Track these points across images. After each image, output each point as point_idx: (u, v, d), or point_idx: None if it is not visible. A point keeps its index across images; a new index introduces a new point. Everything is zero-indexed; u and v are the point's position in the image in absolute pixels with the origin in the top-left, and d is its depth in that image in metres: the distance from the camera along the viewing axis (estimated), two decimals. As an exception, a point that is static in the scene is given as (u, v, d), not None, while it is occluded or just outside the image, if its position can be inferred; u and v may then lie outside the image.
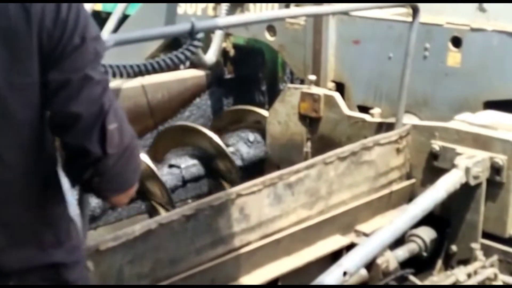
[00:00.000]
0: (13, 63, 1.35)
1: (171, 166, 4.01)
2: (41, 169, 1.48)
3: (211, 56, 4.04)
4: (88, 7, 4.32)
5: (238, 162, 4.13)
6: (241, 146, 4.20)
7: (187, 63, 3.71)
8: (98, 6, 4.98)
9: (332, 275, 2.48)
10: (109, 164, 1.44)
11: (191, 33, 2.22)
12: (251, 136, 4.23)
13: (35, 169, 1.46)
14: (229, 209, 2.56)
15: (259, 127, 4.14)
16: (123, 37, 2.02)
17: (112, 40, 1.98)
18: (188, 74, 4.55)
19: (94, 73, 1.43)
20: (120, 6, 4.15)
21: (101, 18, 4.51)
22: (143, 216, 3.90)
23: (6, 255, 1.44)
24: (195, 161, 4.02)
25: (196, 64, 4.20)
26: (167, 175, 3.94)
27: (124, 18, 4.32)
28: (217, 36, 4.06)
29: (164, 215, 2.43)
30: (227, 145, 4.12)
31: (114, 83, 4.13)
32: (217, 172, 4.04)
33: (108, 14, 4.29)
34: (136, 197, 3.65)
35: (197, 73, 4.56)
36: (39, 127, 1.43)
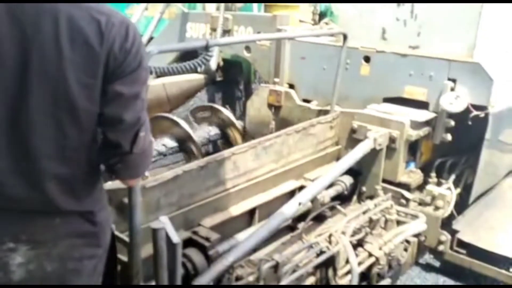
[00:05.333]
0: (84, 67, 1.25)
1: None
2: (88, 147, 1.36)
3: (213, 64, 3.97)
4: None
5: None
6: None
7: (202, 68, 3.62)
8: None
9: (291, 205, 2.50)
10: (131, 158, 1.37)
11: (206, 47, 2.17)
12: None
13: (85, 147, 1.35)
14: (227, 162, 2.52)
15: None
16: (164, 48, 1.94)
17: (156, 50, 1.91)
18: (193, 77, 4.41)
19: (143, 94, 1.35)
20: (150, 30, 4.03)
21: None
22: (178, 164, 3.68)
23: (61, 199, 1.35)
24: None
25: (205, 68, 4.09)
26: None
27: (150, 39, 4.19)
28: (215, 53, 3.99)
29: (186, 165, 2.37)
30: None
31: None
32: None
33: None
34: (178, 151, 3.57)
35: (198, 76, 4.43)
36: (95, 118, 1.33)
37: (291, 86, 3.83)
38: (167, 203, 2.23)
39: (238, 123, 3.88)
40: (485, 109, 2.81)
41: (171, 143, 3.52)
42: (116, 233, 1.73)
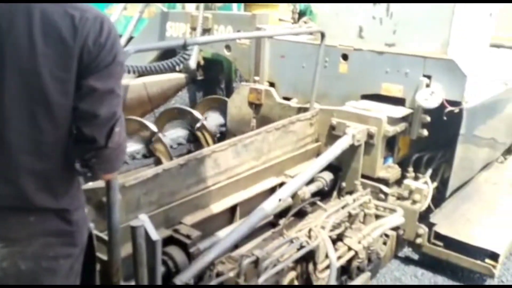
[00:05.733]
0: (58, 61, 1.25)
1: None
2: (65, 142, 1.35)
3: (192, 63, 3.96)
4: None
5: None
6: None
7: (181, 66, 3.59)
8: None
9: (271, 201, 2.52)
10: (106, 153, 1.37)
11: (184, 46, 2.17)
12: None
13: (61, 142, 1.34)
14: (207, 160, 2.52)
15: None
16: (141, 47, 1.93)
17: (133, 49, 1.90)
18: (174, 76, 4.40)
19: (118, 89, 1.34)
20: (129, 30, 4.01)
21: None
22: (144, 168, 3.66)
23: (37, 196, 1.34)
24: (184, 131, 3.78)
25: (184, 67, 4.08)
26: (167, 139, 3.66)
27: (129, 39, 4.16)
28: (195, 51, 3.98)
29: (166, 164, 2.37)
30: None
31: (125, 81, 4.01)
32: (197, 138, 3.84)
33: (119, 36, 4.13)
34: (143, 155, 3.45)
35: (179, 76, 4.42)
36: (70, 113, 1.31)
37: (272, 84, 3.85)
38: (147, 202, 2.22)
39: (212, 125, 3.83)
40: (459, 105, 2.88)
41: (137, 146, 3.40)
42: (95, 232, 1.73)
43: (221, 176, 2.63)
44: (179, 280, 1.99)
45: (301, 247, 2.30)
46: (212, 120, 3.94)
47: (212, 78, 4.73)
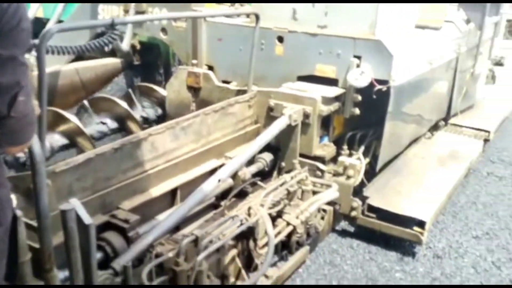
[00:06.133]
0: None
1: (97, 123, 3.62)
2: None
3: (125, 46, 3.85)
4: (31, 13, 3.90)
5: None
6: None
7: (110, 47, 3.46)
8: (40, 13, 4.49)
9: (210, 182, 2.55)
10: (11, 123, 1.30)
11: (112, 25, 2.11)
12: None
13: None
14: (144, 143, 2.50)
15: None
16: (64, 26, 1.85)
17: (56, 28, 1.83)
18: (109, 61, 4.25)
19: (21, 57, 1.28)
20: (57, 12, 3.80)
21: (42, 24, 4.08)
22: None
23: None
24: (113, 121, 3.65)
25: (115, 49, 3.95)
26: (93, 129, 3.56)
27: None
28: (128, 33, 3.86)
29: (99, 148, 2.31)
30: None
31: (55, 67, 3.82)
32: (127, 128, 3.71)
33: (48, 20, 3.92)
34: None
35: (115, 60, 4.27)
36: None
37: (210, 67, 3.84)
38: (81, 188, 2.17)
39: (141, 114, 3.76)
40: (387, 83, 3.04)
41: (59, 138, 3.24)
42: (25, 219, 1.66)
43: (159, 160, 2.61)
44: (117, 264, 1.98)
45: (241, 224, 2.35)
46: (142, 109, 3.88)
47: (150, 63, 4.62)
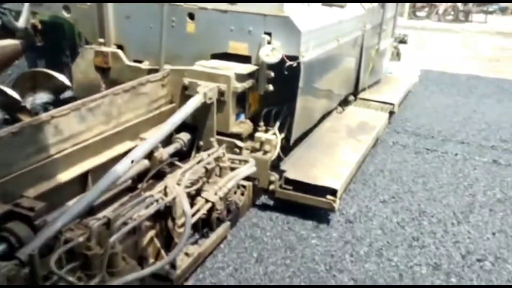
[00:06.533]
0: None
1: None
2: None
3: (21, 24, 3.55)
4: None
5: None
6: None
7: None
8: None
9: (123, 163, 2.47)
10: None
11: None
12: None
13: None
14: (46, 127, 2.36)
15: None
16: None
17: None
18: (7, 43, 3.90)
19: None
20: None
21: None
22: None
23: None
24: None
25: (10, 28, 3.62)
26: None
27: None
28: (24, 11, 3.56)
29: (-5, 133, 2.14)
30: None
31: None
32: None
33: None
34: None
35: (13, 42, 3.91)
36: None
37: (120, 47, 3.69)
38: (-25, 176, 2.01)
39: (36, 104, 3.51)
40: (297, 59, 3.15)
41: None
42: None
43: (65, 143, 2.49)
44: (22, 253, 1.87)
45: (156, 204, 2.33)
46: (36, 99, 3.60)
47: (54, 44, 4.30)
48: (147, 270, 2.04)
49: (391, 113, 5.02)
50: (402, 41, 6.72)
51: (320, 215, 3.42)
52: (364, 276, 2.81)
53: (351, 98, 4.86)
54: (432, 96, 6.42)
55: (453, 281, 2.78)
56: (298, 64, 3.16)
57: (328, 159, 3.71)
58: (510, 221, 3.42)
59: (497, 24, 11.80)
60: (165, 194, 2.47)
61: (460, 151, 4.60)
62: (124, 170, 2.43)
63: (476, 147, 4.75)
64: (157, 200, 2.36)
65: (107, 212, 2.49)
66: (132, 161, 2.50)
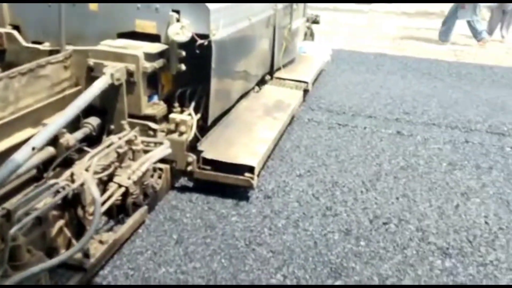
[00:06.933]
0: None
1: None
2: None
3: None
4: None
5: None
6: None
7: None
8: None
9: (23, 151, 2.30)
10: None
11: None
12: None
13: None
14: None
15: None
16: None
17: None
18: None
19: None
20: None
21: None
22: None
23: None
24: None
25: None
26: None
27: None
28: None
29: None
30: None
31: None
32: None
33: None
34: None
35: None
36: None
37: (16, 27, 3.41)
38: None
39: None
40: (208, 38, 3.12)
41: None
42: None
43: (-48, 133, 2.25)
44: None
45: (62, 192, 2.21)
46: None
47: None
48: (55, 260, 1.95)
49: (306, 91, 5.20)
50: (315, 21, 6.94)
51: (239, 193, 3.47)
52: (282, 247, 2.92)
53: (268, 77, 4.95)
54: (343, 74, 6.75)
55: (362, 244, 3.00)
56: (209, 42, 3.13)
57: (246, 137, 3.77)
58: (411, 186, 3.75)
59: (403, 5, 12.67)
60: (72, 181, 2.36)
61: (368, 125, 4.92)
62: (24, 158, 2.26)
63: (383, 120, 5.10)
64: (63, 188, 2.24)
65: (8, 203, 2.33)
66: (33, 148, 2.34)
